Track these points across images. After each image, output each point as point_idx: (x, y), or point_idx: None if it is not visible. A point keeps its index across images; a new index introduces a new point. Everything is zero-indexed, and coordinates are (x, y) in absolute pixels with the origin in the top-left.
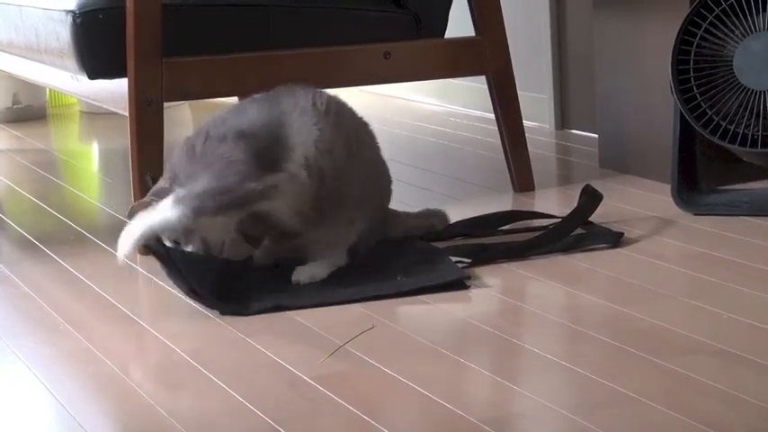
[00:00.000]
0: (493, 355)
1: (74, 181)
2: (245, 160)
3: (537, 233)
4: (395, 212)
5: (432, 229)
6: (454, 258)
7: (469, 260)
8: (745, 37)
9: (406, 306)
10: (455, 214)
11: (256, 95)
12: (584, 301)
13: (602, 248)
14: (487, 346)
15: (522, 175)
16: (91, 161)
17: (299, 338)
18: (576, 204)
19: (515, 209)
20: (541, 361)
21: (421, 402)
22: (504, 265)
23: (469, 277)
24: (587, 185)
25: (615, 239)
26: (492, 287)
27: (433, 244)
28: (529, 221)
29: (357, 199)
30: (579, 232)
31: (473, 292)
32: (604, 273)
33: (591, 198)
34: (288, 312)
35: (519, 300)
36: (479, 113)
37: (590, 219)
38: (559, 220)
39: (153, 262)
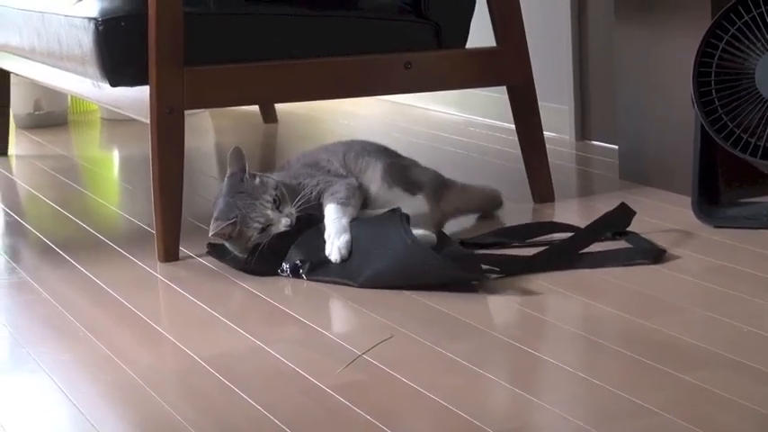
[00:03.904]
0: (511, 365)
1: (94, 187)
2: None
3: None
4: (459, 184)
5: (488, 207)
6: (485, 267)
7: (498, 269)
8: (767, 50)
9: (424, 315)
10: (473, 225)
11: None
12: (603, 313)
13: (630, 262)
14: (506, 356)
15: (541, 186)
16: (111, 168)
17: (317, 347)
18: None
19: (547, 220)
20: (560, 372)
21: (439, 413)
22: (524, 276)
23: (486, 277)
24: (623, 203)
25: (657, 256)
26: (511, 297)
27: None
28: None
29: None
30: (624, 246)
31: (493, 303)
32: (624, 285)
33: (621, 212)
34: (306, 321)
35: (538, 310)
36: (499, 123)
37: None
38: (581, 229)
39: (172, 269)
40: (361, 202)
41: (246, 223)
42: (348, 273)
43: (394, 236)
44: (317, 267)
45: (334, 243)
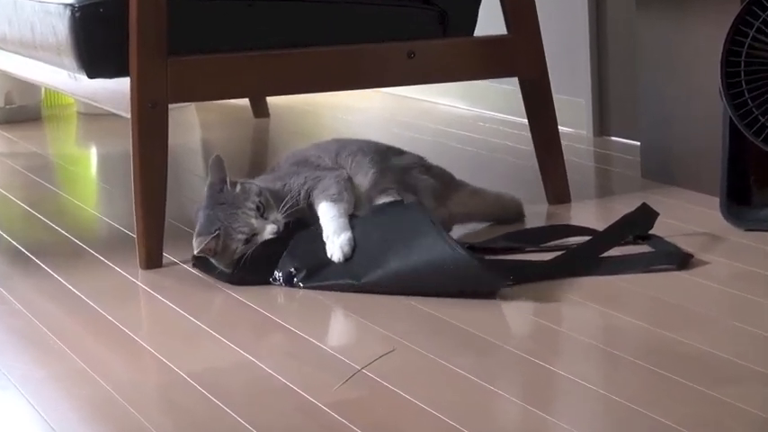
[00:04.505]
0: (523, 380)
1: (70, 188)
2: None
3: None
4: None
5: (503, 216)
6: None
7: (511, 277)
8: None
9: (429, 326)
10: (482, 228)
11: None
12: (623, 324)
13: (652, 268)
14: (518, 370)
15: (556, 186)
16: (89, 166)
17: (312, 361)
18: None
19: (563, 223)
20: (576, 388)
21: None
22: (538, 283)
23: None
24: (644, 203)
25: (682, 261)
26: (524, 307)
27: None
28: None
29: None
30: (646, 250)
31: (503, 313)
32: (645, 293)
33: (643, 213)
34: (300, 333)
35: (552, 321)
36: (510, 118)
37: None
38: (600, 232)
39: (155, 276)
40: (354, 195)
41: (230, 235)
42: (350, 272)
43: (424, 235)
44: (314, 272)
45: (335, 242)
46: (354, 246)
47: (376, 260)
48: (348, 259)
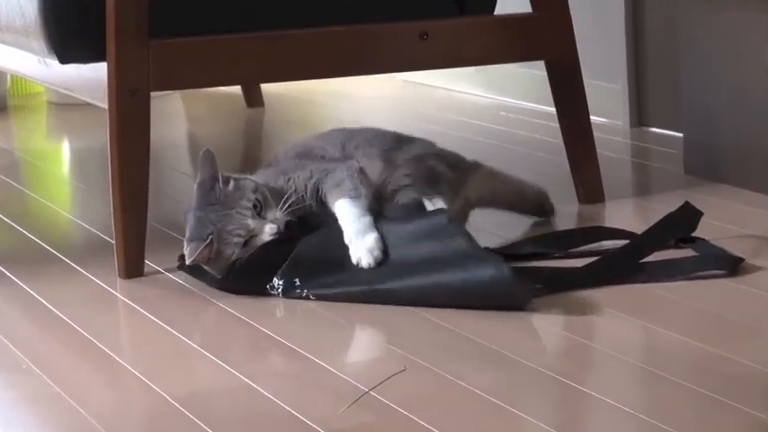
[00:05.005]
0: (552, 404)
1: (39, 187)
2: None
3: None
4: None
5: (526, 207)
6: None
7: (540, 286)
8: None
9: (444, 342)
10: (507, 231)
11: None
12: (665, 339)
13: (696, 275)
14: (545, 392)
15: (589, 184)
16: (60, 163)
17: (314, 383)
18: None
19: (595, 225)
20: (613, 413)
21: None
22: (568, 293)
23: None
24: (687, 202)
25: (732, 265)
26: (552, 320)
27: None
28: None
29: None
30: (690, 255)
31: (529, 326)
32: (690, 304)
33: (686, 213)
34: (301, 351)
35: (585, 336)
36: (536, 107)
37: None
38: (638, 235)
39: (136, 286)
40: (369, 188)
41: (224, 239)
42: (362, 278)
43: (452, 245)
44: (321, 280)
45: (361, 245)
46: (385, 248)
47: (394, 268)
48: (380, 264)
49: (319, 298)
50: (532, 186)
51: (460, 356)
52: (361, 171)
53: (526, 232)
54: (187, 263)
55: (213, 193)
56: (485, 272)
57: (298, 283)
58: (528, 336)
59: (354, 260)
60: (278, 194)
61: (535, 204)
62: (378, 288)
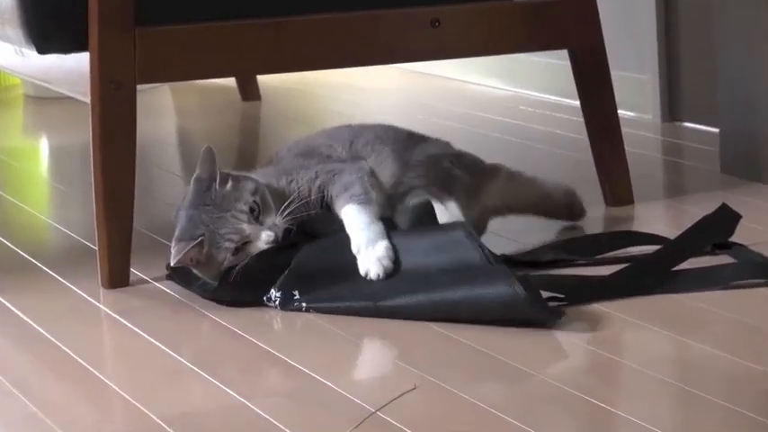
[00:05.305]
0: (576, 425)
1: (15, 188)
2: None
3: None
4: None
5: (552, 211)
6: (544, 294)
7: (563, 296)
8: None
9: (457, 357)
10: (528, 236)
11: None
12: (700, 354)
13: (733, 284)
14: (569, 412)
15: (616, 184)
16: (38, 162)
17: (315, 402)
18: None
19: (623, 229)
20: None
21: None
22: (594, 304)
23: (560, 316)
24: (724, 204)
25: None
26: (577, 333)
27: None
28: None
29: None
30: (728, 262)
31: (551, 341)
32: (727, 315)
33: (723, 216)
34: (301, 368)
35: (612, 351)
36: (559, 100)
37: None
38: (670, 240)
39: (121, 297)
40: (380, 192)
41: (216, 242)
42: (368, 292)
43: (466, 261)
44: (321, 293)
45: (370, 254)
46: (396, 258)
47: (403, 284)
48: (389, 275)
49: (319, 312)
50: (557, 185)
51: (475, 373)
52: (372, 173)
53: (548, 237)
54: (171, 263)
55: (209, 194)
56: (497, 291)
57: (297, 295)
58: (548, 350)
59: (362, 271)
60: (280, 197)
61: (563, 206)
62: (383, 305)
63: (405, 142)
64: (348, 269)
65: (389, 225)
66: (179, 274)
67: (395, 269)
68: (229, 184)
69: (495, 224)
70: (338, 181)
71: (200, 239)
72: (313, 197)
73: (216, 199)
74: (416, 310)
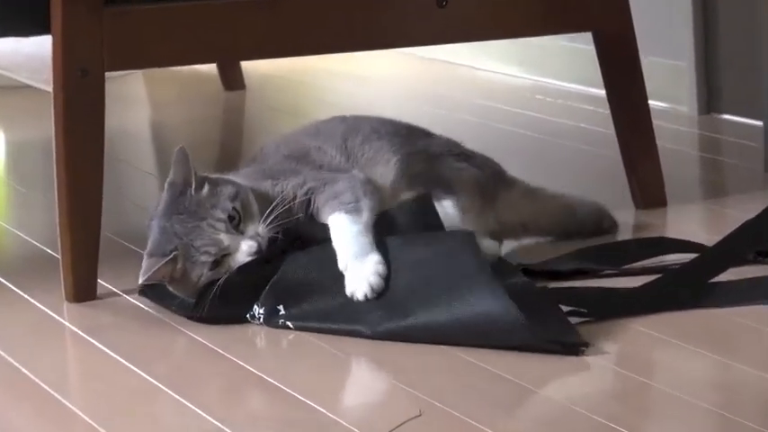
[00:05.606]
0: None
1: None
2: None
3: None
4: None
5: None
6: (565, 308)
7: (585, 311)
8: None
9: (466, 380)
10: (548, 243)
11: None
12: (741, 376)
13: None
14: None
15: (647, 184)
16: None
17: (304, 430)
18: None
19: (654, 235)
20: None
21: None
22: (622, 320)
23: (586, 345)
24: None
25: None
26: (603, 353)
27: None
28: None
29: None
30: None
31: (573, 361)
32: None
33: (766, 221)
34: (289, 391)
35: (643, 373)
36: (582, 89)
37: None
38: (708, 248)
39: (87, 312)
40: (378, 200)
41: (191, 256)
42: (362, 316)
43: (470, 278)
44: (310, 311)
45: (358, 271)
46: (388, 274)
47: (400, 305)
48: (380, 295)
49: (307, 330)
50: (584, 202)
51: (487, 398)
52: (369, 181)
53: (570, 244)
54: (140, 281)
55: (183, 200)
56: (496, 319)
57: (282, 310)
58: (571, 372)
59: (348, 292)
60: (264, 201)
61: (590, 224)
62: (375, 331)
63: (405, 136)
64: (338, 285)
65: (386, 223)
66: (153, 291)
67: (385, 287)
68: (206, 189)
69: None
70: (328, 188)
71: (172, 255)
72: (298, 204)
73: (190, 206)
74: (413, 336)
